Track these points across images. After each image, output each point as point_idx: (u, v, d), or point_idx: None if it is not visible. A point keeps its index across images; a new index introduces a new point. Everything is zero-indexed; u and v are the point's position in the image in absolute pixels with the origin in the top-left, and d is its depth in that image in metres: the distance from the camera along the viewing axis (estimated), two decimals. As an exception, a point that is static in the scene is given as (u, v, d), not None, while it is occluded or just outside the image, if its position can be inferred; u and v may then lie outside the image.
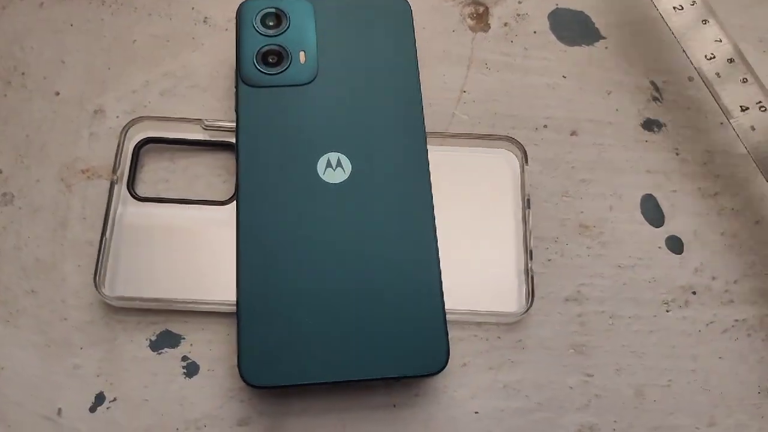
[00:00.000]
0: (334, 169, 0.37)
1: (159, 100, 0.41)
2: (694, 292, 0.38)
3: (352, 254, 0.35)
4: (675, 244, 0.39)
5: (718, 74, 0.41)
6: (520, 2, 0.44)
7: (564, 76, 0.42)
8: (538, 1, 0.44)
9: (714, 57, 0.41)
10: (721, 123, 0.42)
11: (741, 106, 0.40)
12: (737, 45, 0.41)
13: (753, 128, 0.40)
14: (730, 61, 0.41)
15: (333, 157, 0.37)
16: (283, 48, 0.39)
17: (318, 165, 0.37)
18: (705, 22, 0.42)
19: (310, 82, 0.38)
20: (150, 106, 0.41)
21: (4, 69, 0.42)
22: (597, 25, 0.44)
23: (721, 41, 0.41)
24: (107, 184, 0.39)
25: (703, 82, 0.40)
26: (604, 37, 0.43)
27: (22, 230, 0.38)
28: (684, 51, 0.40)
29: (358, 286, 0.34)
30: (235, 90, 0.38)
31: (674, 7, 0.42)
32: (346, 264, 0.35)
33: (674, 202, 0.40)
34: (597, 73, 0.43)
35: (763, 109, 0.40)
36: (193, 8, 0.44)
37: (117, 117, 0.41)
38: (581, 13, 0.44)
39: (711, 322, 0.37)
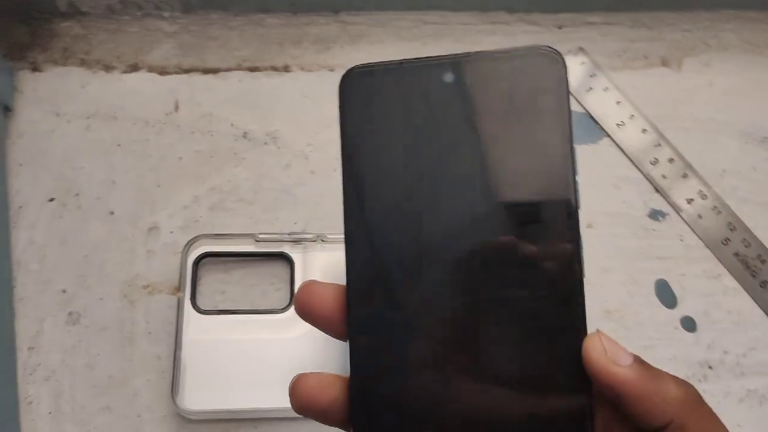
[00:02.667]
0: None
1: (209, 214, 0.44)
2: (710, 367, 0.42)
3: None
4: (689, 324, 0.43)
5: (664, 176, 0.47)
6: (529, 106, 0.49)
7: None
8: (545, 104, 0.49)
9: (657, 161, 0.47)
10: (714, 207, 0.47)
11: (687, 199, 0.46)
12: (675, 146, 0.47)
13: (700, 216, 0.46)
14: (671, 161, 0.47)
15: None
16: None
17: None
18: (644, 131, 0.48)
19: None
20: (201, 221, 0.44)
21: (59, 190, 0.44)
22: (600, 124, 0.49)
23: (660, 145, 0.47)
24: (168, 299, 0.42)
25: (653, 186, 0.46)
26: (607, 135, 0.48)
27: (90, 348, 0.40)
28: (633, 162, 0.46)
29: None
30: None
31: (617, 124, 0.48)
32: None
33: (684, 285, 0.44)
34: (604, 169, 0.47)
35: (704, 197, 0.46)
36: (232, 124, 0.47)
37: (171, 233, 0.43)
38: (584, 113, 0.49)
39: (728, 393, 0.42)
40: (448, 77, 0.26)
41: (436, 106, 0.26)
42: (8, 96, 0.46)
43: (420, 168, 0.27)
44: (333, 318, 0.25)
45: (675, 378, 0.23)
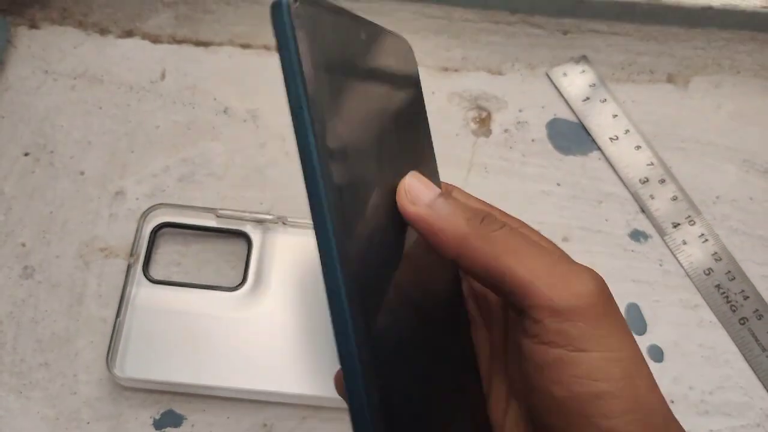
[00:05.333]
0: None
1: (177, 185, 0.44)
2: (672, 401, 0.40)
3: None
4: (656, 353, 0.41)
5: (652, 196, 0.44)
6: (521, 110, 0.47)
7: (558, 184, 0.45)
8: (537, 110, 0.47)
9: (647, 180, 0.44)
10: (701, 234, 0.45)
11: (673, 223, 0.44)
12: (669, 166, 0.45)
13: (684, 242, 0.43)
14: (662, 181, 0.44)
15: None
16: None
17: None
18: (638, 148, 0.45)
19: None
20: (168, 191, 0.44)
21: (35, 146, 0.44)
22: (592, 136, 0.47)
23: (652, 164, 0.45)
24: (123, 264, 0.41)
25: (639, 206, 0.44)
26: (598, 148, 0.46)
27: (40, 304, 0.40)
28: (621, 178, 0.45)
29: None
30: None
31: (610, 138, 0.46)
32: None
33: (657, 312, 0.42)
34: (589, 183, 0.45)
35: (692, 223, 0.44)
36: (215, 99, 0.47)
37: (136, 199, 0.43)
38: (577, 124, 0.47)
39: (686, 432, 0.39)
40: (363, 35, 0.25)
41: (363, 61, 0.25)
42: (0, 50, 0.47)
43: (378, 126, 0.25)
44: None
45: (466, 216, 0.24)
